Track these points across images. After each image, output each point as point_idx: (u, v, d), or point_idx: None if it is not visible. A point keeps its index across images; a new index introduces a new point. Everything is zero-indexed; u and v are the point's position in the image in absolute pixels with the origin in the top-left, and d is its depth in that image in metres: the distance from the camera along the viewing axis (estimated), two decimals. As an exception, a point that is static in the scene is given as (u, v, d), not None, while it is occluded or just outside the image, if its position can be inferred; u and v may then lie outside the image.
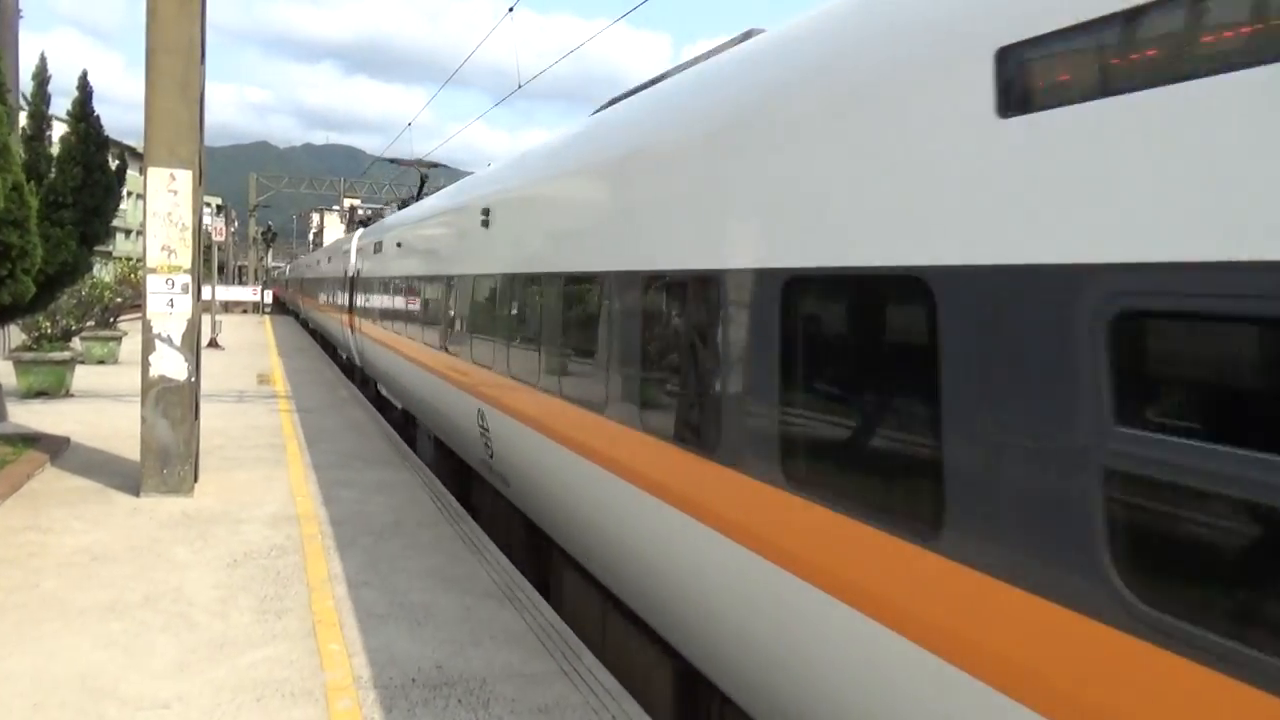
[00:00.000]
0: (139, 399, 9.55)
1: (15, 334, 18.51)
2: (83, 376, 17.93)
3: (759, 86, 4.45)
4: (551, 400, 6.64)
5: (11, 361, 16.88)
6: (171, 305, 9.45)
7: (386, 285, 16.11)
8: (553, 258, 6.96)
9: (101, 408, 15.10)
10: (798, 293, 3.83)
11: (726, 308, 4.32)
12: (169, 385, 9.41)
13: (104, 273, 29.17)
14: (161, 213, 9.42)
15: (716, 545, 4.34)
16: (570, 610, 6.96)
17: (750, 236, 4.29)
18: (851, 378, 3.64)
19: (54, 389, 16.36)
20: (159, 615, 6.28)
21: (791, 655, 3.85)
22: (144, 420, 9.39)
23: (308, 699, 5.13)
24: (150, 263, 9.47)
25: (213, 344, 27.86)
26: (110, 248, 51.01)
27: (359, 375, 21.52)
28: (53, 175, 11.68)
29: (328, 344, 30.95)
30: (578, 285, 6.43)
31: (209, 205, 51.07)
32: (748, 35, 5.35)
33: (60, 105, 12.49)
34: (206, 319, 27.28)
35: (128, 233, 74.19)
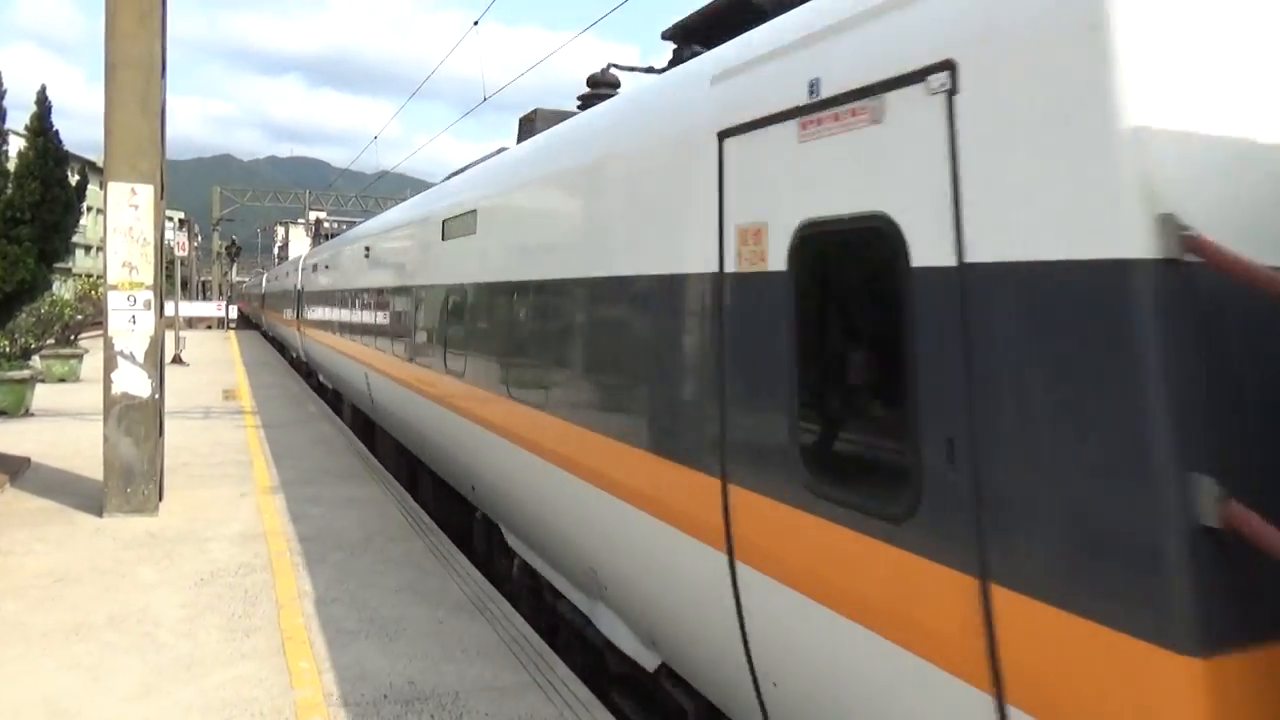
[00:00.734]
0: (101, 417, 9.42)
1: (-28, 353, 18.14)
2: (43, 395, 17.62)
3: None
4: (392, 359, 11.46)
5: (-31, 381, 16.55)
6: (134, 322, 9.33)
7: (320, 297, 21.11)
8: (386, 280, 12.58)
9: (63, 427, 14.85)
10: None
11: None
12: (132, 403, 9.29)
13: (64, 290, 28.75)
14: (122, 228, 9.31)
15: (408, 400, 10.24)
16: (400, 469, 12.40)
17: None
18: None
19: (13, 408, 16.08)
20: (124, 637, 6.19)
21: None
22: (106, 439, 9.26)
23: (277, 718, 5.08)
24: (111, 279, 9.35)
25: (176, 360, 27.54)
26: (70, 264, 50.22)
27: (306, 371, 25.15)
28: (10, 191, 11.48)
29: (284, 348, 35.42)
30: (395, 296, 11.69)
31: (171, 220, 50.34)
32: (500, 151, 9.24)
33: (18, 119, 12.30)
34: (170, 335, 27.04)
35: (88, 248, 73.02)
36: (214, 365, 28.76)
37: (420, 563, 8.01)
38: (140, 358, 9.34)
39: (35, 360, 18.64)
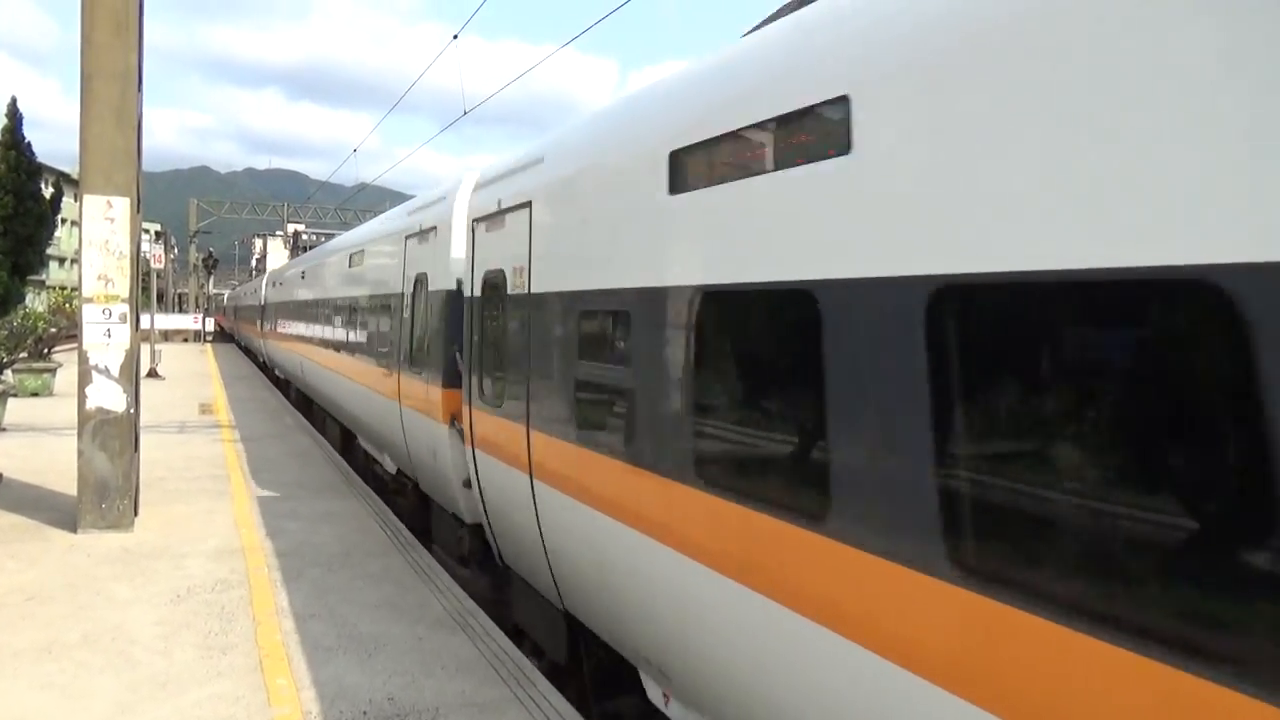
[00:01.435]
0: (75, 432, 9.30)
1: (-57, 367, 17.87)
2: (15, 410, 17.39)
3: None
4: (314, 348, 17.44)
5: (-61, 396, 16.30)
6: (109, 335, 9.24)
7: (276, 309, 27.13)
8: (306, 295, 19.27)
9: (36, 441, 14.65)
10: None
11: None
12: (107, 417, 9.18)
13: (37, 303, 28.41)
14: (98, 241, 9.22)
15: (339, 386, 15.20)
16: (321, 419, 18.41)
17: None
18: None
19: (-15, 423, 15.83)
20: (99, 655, 6.10)
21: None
22: (81, 453, 9.15)
23: (255, 736, 5.02)
24: (86, 292, 9.25)
25: (152, 374, 27.23)
26: (44, 276, 49.62)
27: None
28: (-18, 204, 11.37)
29: (249, 351, 42.36)
30: (313, 308, 18.03)
31: (147, 232, 49.92)
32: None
33: (-9, 132, 12.19)
34: (146, 348, 26.80)
35: (62, 261, 72.23)
36: (190, 379, 28.49)
37: (399, 578, 7.95)
38: (115, 371, 9.24)
39: (7, 374, 18.39)
